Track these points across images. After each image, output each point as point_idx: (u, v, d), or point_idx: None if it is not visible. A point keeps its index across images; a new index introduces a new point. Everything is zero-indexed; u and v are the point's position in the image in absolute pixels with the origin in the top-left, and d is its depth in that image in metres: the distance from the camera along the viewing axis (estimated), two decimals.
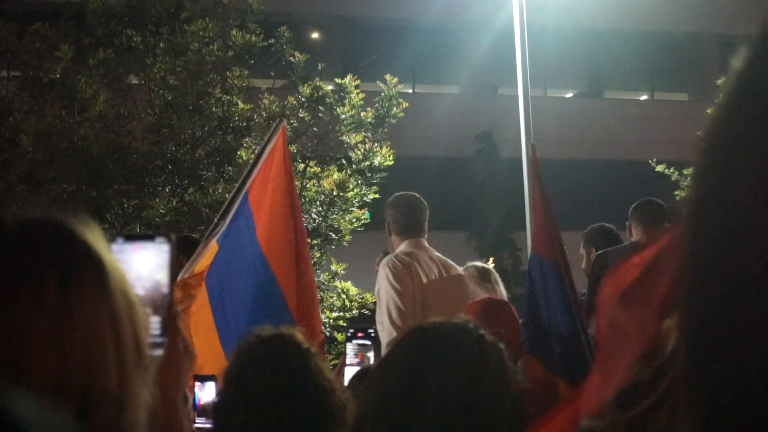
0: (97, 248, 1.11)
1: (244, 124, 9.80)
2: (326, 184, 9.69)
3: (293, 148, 9.09)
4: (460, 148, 22.66)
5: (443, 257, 5.02)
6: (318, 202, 9.66)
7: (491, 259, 8.74)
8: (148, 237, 1.48)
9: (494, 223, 21.98)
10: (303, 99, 10.10)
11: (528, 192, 10.34)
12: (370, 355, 3.72)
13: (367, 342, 3.72)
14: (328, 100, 10.12)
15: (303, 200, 9.22)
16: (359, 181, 9.90)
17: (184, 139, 9.78)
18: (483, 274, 5.45)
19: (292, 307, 4.35)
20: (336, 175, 9.74)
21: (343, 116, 10.07)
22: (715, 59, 24.70)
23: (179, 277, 4.14)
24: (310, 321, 4.22)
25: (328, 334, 9.31)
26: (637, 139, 23.33)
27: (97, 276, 1.09)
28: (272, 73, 11.32)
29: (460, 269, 5.12)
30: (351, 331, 3.78)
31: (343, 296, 9.98)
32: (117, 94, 10.01)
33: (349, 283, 10.11)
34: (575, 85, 26.53)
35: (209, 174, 9.73)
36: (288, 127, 7.51)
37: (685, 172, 11.54)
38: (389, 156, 10.01)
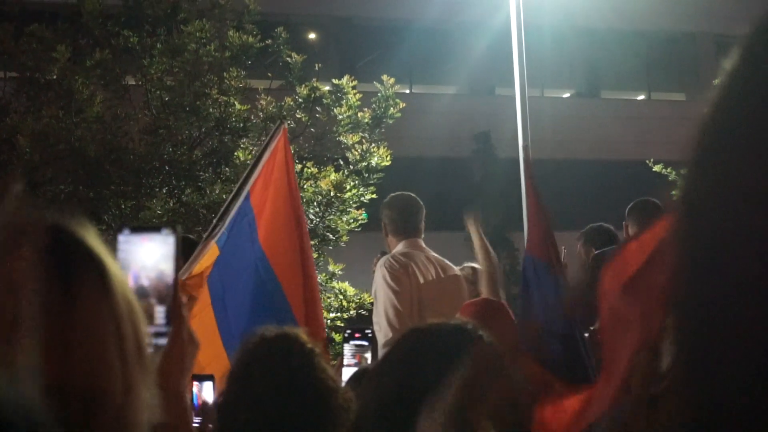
0: (98, 251, 1.12)
1: (241, 124, 9.80)
2: (323, 184, 9.69)
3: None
4: (458, 148, 22.68)
5: (440, 257, 5.02)
6: (315, 203, 9.66)
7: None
8: (154, 229, 1.52)
9: (492, 224, 21.99)
10: (300, 100, 10.10)
11: (525, 192, 10.35)
12: (368, 355, 3.72)
13: (365, 342, 3.72)
14: (325, 100, 10.12)
15: (300, 201, 9.22)
16: (356, 182, 9.90)
17: (181, 139, 9.78)
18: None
19: (294, 308, 4.35)
20: (333, 176, 9.73)
21: (340, 117, 10.07)
22: (711, 59, 24.71)
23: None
24: (313, 322, 4.22)
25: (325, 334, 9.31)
26: (634, 139, 23.37)
27: (99, 278, 1.09)
28: (269, 74, 11.31)
29: (457, 269, 5.12)
30: (348, 331, 3.78)
31: (341, 297, 9.98)
32: (114, 95, 10.00)
33: (346, 283, 10.11)
34: (572, 86, 26.55)
35: (206, 175, 9.73)
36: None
37: (682, 172, 11.55)
38: (386, 156, 10.01)
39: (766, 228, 0.55)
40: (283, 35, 10.51)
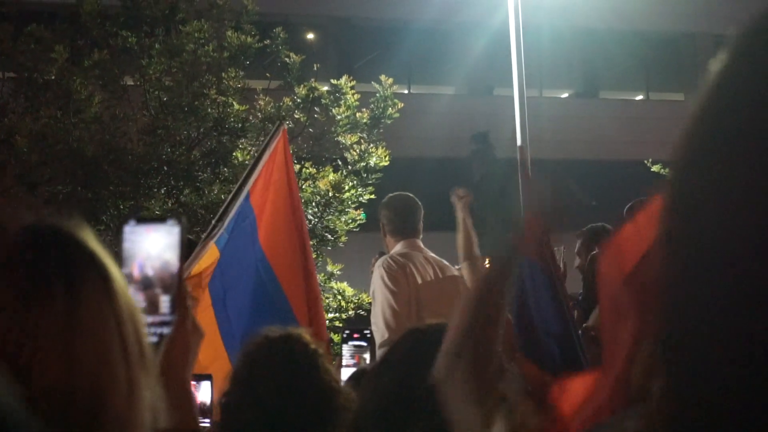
0: (98, 253, 1.12)
1: (240, 125, 9.79)
2: (322, 185, 9.69)
3: None
4: (456, 148, 22.67)
5: (438, 258, 5.02)
6: (314, 203, 9.65)
7: (487, 260, 8.73)
8: (159, 220, 1.54)
9: (490, 224, 21.96)
10: (298, 100, 10.09)
11: (521, 192, 10.35)
12: (366, 356, 3.72)
13: (363, 343, 3.73)
14: (323, 101, 10.11)
15: (301, 202, 9.22)
16: (355, 182, 9.89)
17: (180, 140, 9.77)
18: None
19: (295, 309, 4.35)
20: (332, 176, 9.73)
21: (338, 117, 10.06)
22: (710, 59, 24.66)
23: None
24: (314, 322, 4.22)
25: None
26: (633, 139, 23.36)
27: (101, 280, 1.10)
28: (268, 74, 11.30)
29: (455, 270, 5.11)
30: (347, 332, 3.79)
31: (339, 297, 9.97)
32: (112, 95, 10.00)
33: (345, 284, 10.10)
34: (571, 86, 26.55)
35: (205, 175, 9.72)
36: None
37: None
38: (385, 157, 10.01)
39: (764, 228, 0.54)
40: (281, 35, 10.51)
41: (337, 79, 10.27)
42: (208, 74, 9.80)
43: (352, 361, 3.70)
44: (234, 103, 9.77)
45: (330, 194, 9.64)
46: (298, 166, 9.91)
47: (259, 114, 9.98)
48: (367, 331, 3.82)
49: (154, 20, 10.16)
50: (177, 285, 1.47)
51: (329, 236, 9.84)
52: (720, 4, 24.02)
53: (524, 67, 11.67)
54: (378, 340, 4.58)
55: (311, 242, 9.57)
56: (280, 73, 10.81)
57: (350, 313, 9.91)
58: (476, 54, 22.71)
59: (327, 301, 9.87)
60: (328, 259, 10.08)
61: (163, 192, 9.58)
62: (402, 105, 10.47)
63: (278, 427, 2.43)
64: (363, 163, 9.96)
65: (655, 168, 12.10)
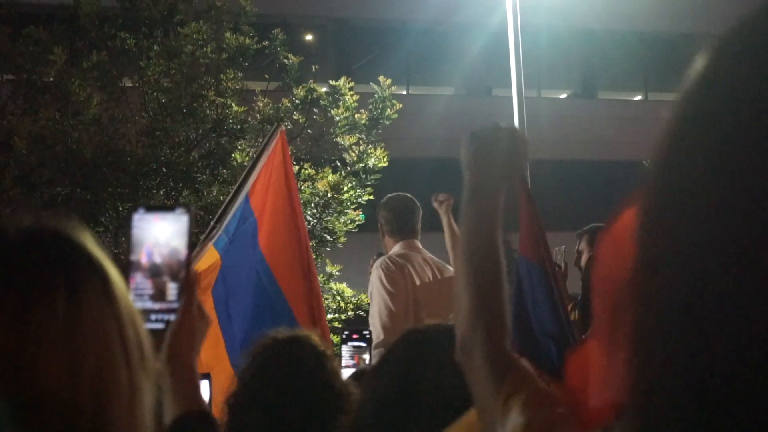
0: (98, 256, 1.12)
1: (239, 126, 9.80)
2: (321, 186, 9.69)
3: None
4: (455, 149, 22.62)
5: (437, 259, 5.02)
6: (312, 204, 9.66)
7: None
8: (168, 208, 1.55)
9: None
10: (297, 101, 10.10)
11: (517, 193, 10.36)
12: (366, 356, 3.73)
13: (363, 344, 3.73)
14: (322, 102, 10.12)
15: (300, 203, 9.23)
16: (354, 183, 9.90)
17: (179, 141, 9.77)
18: None
19: (295, 311, 4.35)
20: (330, 177, 9.74)
21: (337, 118, 10.07)
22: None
23: None
24: (316, 325, 4.22)
25: None
26: (632, 139, 23.34)
27: (102, 284, 1.10)
28: (266, 76, 11.31)
29: (453, 271, 5.11)
30: (346, 333, 3.78)
31: (338, 298, 9.98)
32: (111, 97, 10.00)
33: (344, 284, 10.11)
34: (569, 86, 26.56)
35: (203, 177, 9.73)
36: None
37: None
38: (383, 157, 10.02)
39: (751, 232, 0.54)
40: (279, 37, 10.51)
41: (336, 80, 10.28)
42: (206, 76, 9.80)
43: (351, 362, 3.70)
44: (233, 104, 9.77)
45: (329, 195, 9.65)
46: (296, 167, 9.91)
47: (258, 115, 9.98)
48: (367, 332, 3.82)
49: (152, 22, 10.17)
50: (185, 272, 1.48)
51: (328, 237, 9.85)
52: (719, 4, 24.04)
53: (523, 67, 11.70)
54: (375, 340, 4.58)
55: (310, 243, 9.60)
56: (278, 74, 10.81)
57: (349, 313, 9.92)
58: (475, 55, 22.72)
59: (326, 301, 9.88)
60: (327, 260, 10.08)
61: (161, 193, 9.59)
62: (400, 106, 10.48)
63: (285, 428, 2.43)
64: (362, 164, 9.96)
65: None
